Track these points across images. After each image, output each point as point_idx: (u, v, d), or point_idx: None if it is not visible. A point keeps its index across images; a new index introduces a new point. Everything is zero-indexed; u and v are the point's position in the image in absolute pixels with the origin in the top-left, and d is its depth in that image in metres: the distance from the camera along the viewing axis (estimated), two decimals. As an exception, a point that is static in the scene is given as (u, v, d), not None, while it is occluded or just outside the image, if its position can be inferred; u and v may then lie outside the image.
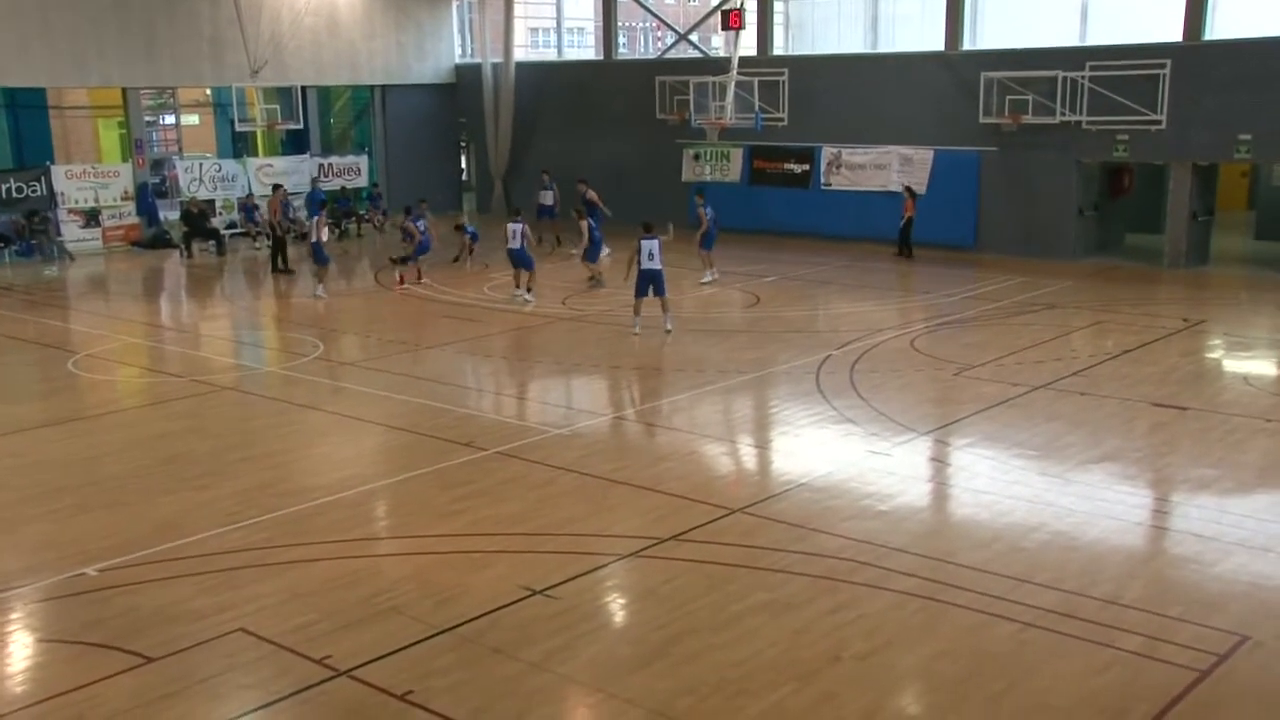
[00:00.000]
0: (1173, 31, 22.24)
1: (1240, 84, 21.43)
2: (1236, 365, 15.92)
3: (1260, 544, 9.27)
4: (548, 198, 26.59)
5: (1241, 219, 27.33)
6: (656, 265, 17.07)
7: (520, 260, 19.96)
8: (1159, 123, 22.16)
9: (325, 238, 21.96)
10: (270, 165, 30.47)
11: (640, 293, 17.25)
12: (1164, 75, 21.97)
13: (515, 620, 8.10)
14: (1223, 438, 12.07)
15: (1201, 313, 18.56)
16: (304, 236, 27.84)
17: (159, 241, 27.79)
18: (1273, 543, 9.30)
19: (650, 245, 17.04)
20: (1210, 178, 23.30)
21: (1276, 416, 12.75)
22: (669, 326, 17.33)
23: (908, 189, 24.34)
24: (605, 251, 22.24)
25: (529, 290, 19.96)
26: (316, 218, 22.50)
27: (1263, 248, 24.53)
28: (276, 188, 25.92)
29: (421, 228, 22.09)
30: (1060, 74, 22.89)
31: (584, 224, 21.71)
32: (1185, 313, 18.50)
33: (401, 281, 21.93)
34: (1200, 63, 21.87)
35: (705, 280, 21.41)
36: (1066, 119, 23.00)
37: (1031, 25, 24.72)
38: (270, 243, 24.98)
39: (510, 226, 19.86)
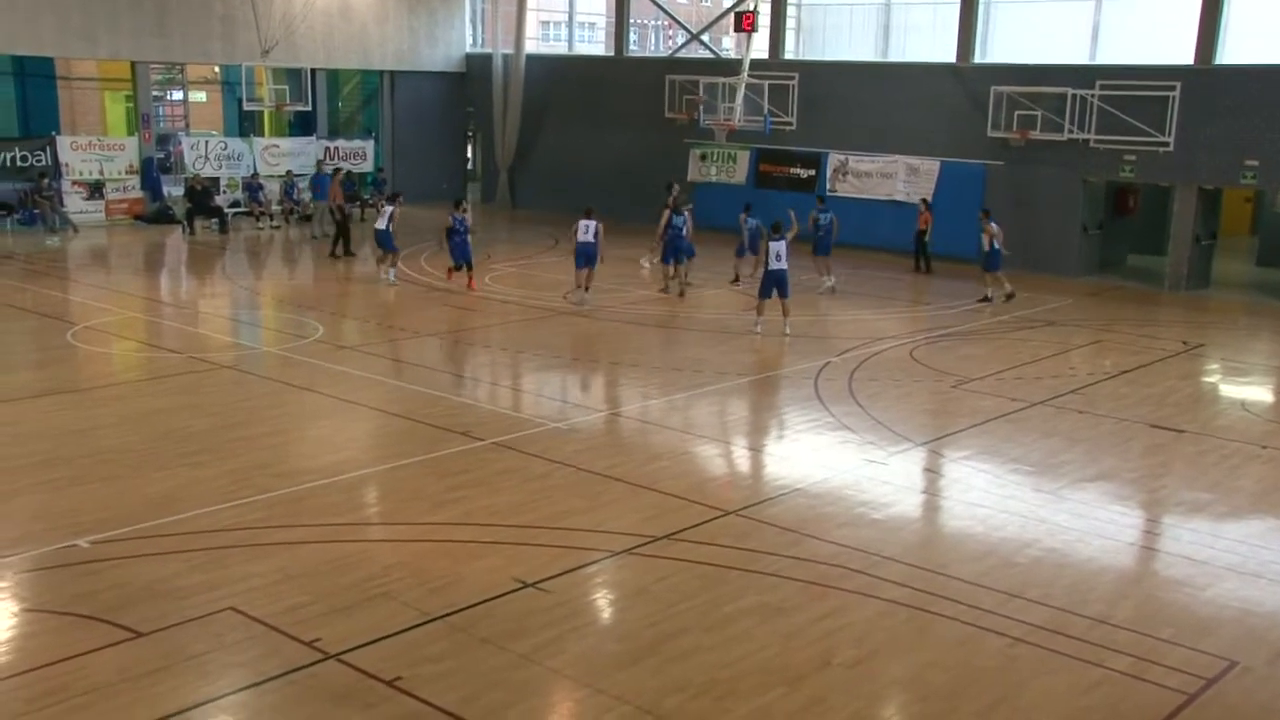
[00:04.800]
0: (1184, 54, 22.27)
1: (1249, 110, 21.46)
2: (1234, 390, 15.96)
3: (1252, 570, 9.28)
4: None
5: (1244, 244, 27.37)
6: (783, 266, 17.18)
7: (589, 257, 19.20)
8: (1166, 144, 22.19)
9: (390, 226, 21.03)
10: (276, 146, 30.45)
11: (765, 293, 17.38)
12: (1174, 97, 22.00)
13: (506, 612, 8.10)
14: (1218, 462, 12.09)
15: (1201, 336, 18.59)
16: (309, 218, 27.91)
17: (162, 217, 27.74)
18: (1264, 569, 9.32)
19: (778, 247, 17.20)
20: (1215, 202, 23.34)
21: (1272, 443, 12.78)
22: (788, 330, 17.40)
23: (924, 201, 24.21)
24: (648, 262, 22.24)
25: (586, 290, 19.46)
26: (391, 208, 21.20)
27: (1264, 274, 24.58)
28: (337, 171, 25.87)
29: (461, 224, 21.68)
30: (1070, 91, 22.92)
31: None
32: (1185, 335, 18.53)
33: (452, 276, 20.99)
34: (1210, 87, 21.90)
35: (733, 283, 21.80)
36: (1074, 136, 23.03)
37: (1043, 41, 24.76)
38: (334, 224, 24.31)
39: (582, 223, 19.20)
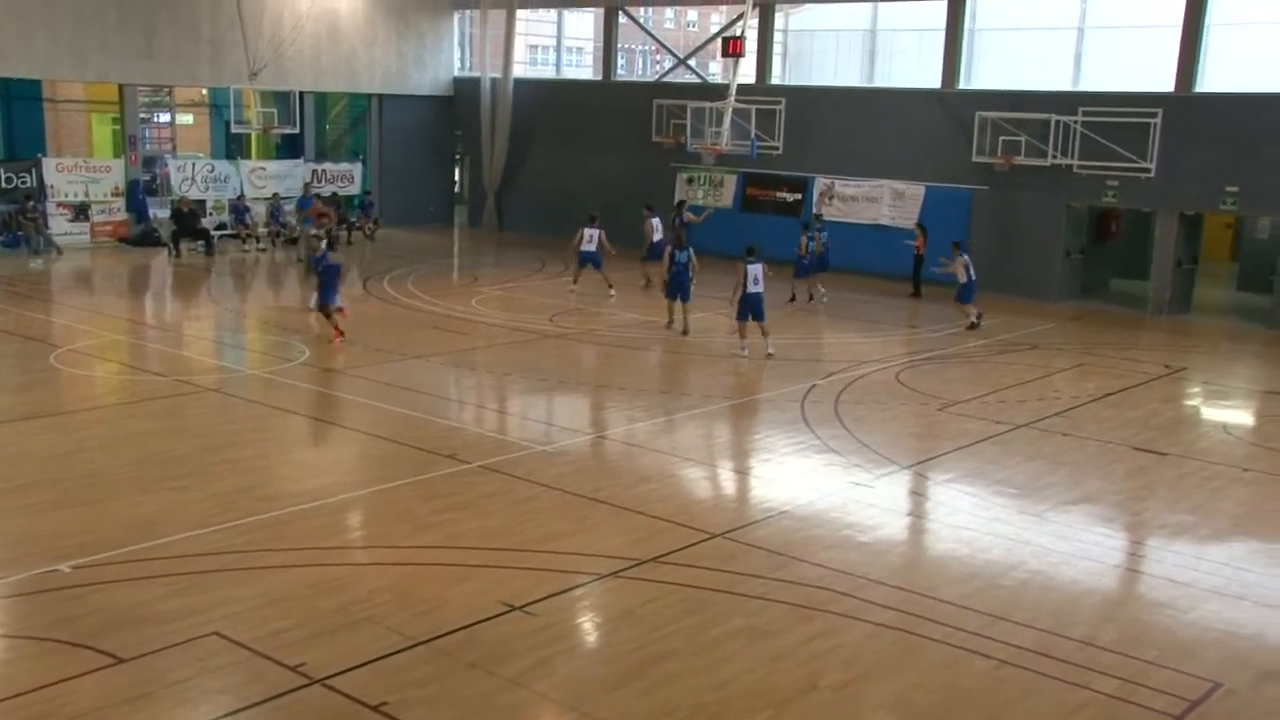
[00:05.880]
0: (1165, 82, 22.51)
1: (1229, 137, 21.68)
2: (1215, 413, 16.05)
3: (1235, 592, 9.32)
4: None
5: (1225, 270, 27.60)
6: (760, 289, 17.40)
7: (596, 264, 19.66)
8: (1148, 170, 22.38)
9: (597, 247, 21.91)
10: (263, 168, 30.42)
11: (742, 316, 17.52)
12: (1155, 124, 22.22)
13: (493, 635, 8.07)
14: (1200, 484, 12.16)
15: (1183, 360, 18.71)
16: (295, 241, 27.91)
17: (147, 239, 27.67)
18: (1247, 591, 9.36)
19: (755, 270, 17.37)
20: (1196, 227, 23.54)
21: (1254, 466, 12.85)
22: (770, 351, 17.48)
23: (919, 225, 24.13)
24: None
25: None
26: (596, 231, 21.50)
27: (1244, 299, 24.77)
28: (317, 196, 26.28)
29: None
30: (1053, 117, 23.11)
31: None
32: (1167, 359, 18.65)
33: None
34: (1191, 114, 22.12)
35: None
36: (1058, 162, 23.21)
37: (1027, 68, 24.99)
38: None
39: (586, 231, 19.86)
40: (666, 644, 8.05)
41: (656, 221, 23.70)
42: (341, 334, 17.55)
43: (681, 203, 26.57)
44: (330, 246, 20.00)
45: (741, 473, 12.69)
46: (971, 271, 20.37)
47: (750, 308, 17.45)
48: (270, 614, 8.30)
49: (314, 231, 21.47)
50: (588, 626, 8.58)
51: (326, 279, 17.85)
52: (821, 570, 9.44)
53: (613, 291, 21.74)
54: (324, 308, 17.76)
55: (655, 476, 11.94)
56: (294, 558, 9.41)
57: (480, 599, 8.65)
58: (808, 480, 11.93)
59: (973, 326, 20.25)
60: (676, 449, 13.10)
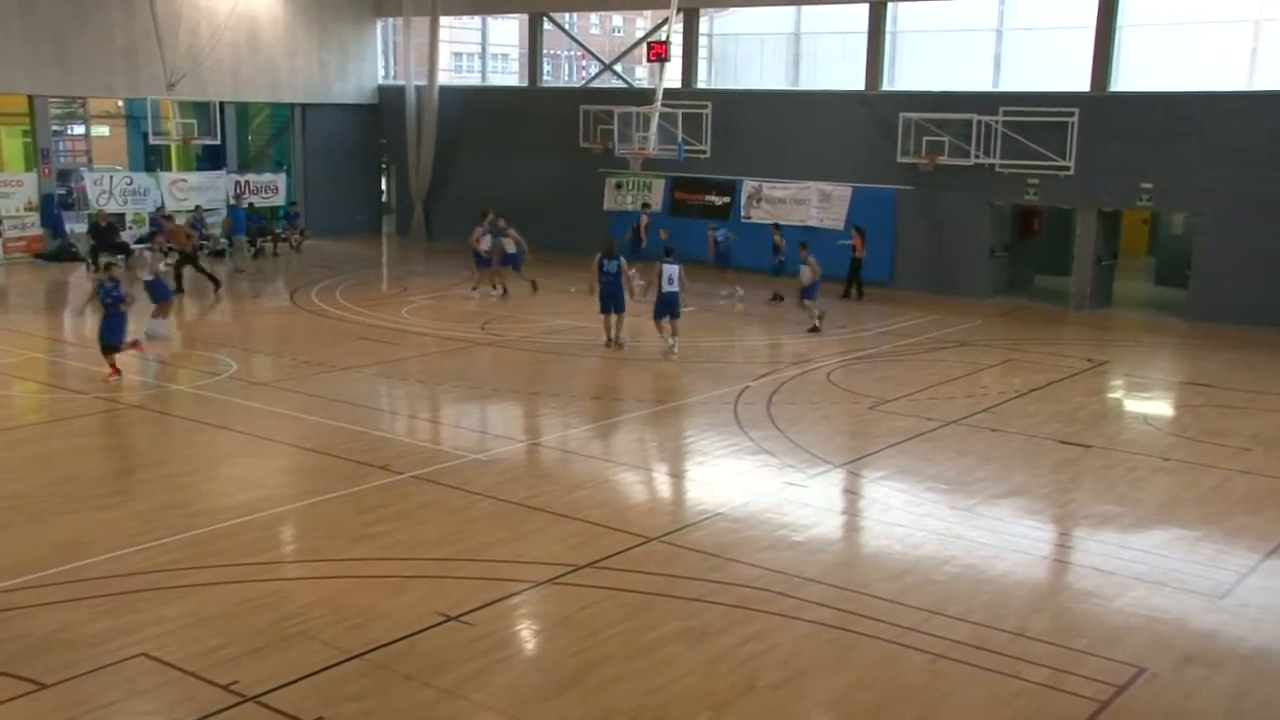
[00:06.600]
0: (1081, 82, 23.04)
1: (1142, 135, 22.26)
2: (1137, 405, 16.45)
3: (1157, 578, 9.55)
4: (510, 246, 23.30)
5: (1142, 264, 28.30)
6: (675, 289, 17.64)
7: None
8: (1067, 168, 22.89)
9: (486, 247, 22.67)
10: (184, 180, 29.89)
11: (659, 315, 17.80)
12: (1072, 123, 22.72)
13: (429, 646, 7.99)
14: (1124, 475, 12.45)
15: (1105, 354, 19.15)
16: (220, 254, 27.43)
17: (64, 254, 27.00)
18: (1168, 577, 9.59)
19: (671, 270, 17.62)
20: (1114, 224, 24.13)
21: (1173, 455, 13.19)
22: (671, 344, 17.83)
23: (857, 228, 24.07)
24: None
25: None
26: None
27: (1162, 293, 25.41)
28: (196, 208, 25.79)
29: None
30: (975, 117, 23.54)
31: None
32: (1090, 353, 19.07)
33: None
34: (1106, 113, 22.68)
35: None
36: (980, 161, 23.64)
37: (948, 69, 25.42)
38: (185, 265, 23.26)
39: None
40: (604, 649, 8.04)
41: (723, 234, 24.53)
42: (117, 372, 15.51)
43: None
44: (180, 268, 19.26)
45: (676, 476, 12.72)
46: (818, 273, 20.08)
47: (666, 306, 17.76)
48: (201, 632, 8.13)
49: (148, 250, 19.73)
50: (525, 634, 8.53)
51: (114, 312, 15.59)
52: (758, 571, 9.49)
53: (496, 291, 22.46)
54: (108, 347, 15.55)
55: (590, 482, 11.91)
56: (224, 574, 9.23)
57: (416, 610, 8.56)
58: (742, 482, 11.99)
59: (814, 329, 19.92)
60: (611, 454, 13.09)
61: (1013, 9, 25.01)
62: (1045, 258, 26.49)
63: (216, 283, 23.07)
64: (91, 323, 17.44)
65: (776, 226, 23.67)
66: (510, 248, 23.05)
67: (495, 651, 8.01)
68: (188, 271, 22.84)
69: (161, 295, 18.88)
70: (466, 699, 7.33)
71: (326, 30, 32.00)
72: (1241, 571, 9.77)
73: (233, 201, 29.29)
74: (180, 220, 25.83)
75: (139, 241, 25.98)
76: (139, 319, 17.53)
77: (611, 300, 18.22)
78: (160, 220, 26.08)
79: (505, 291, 22.98)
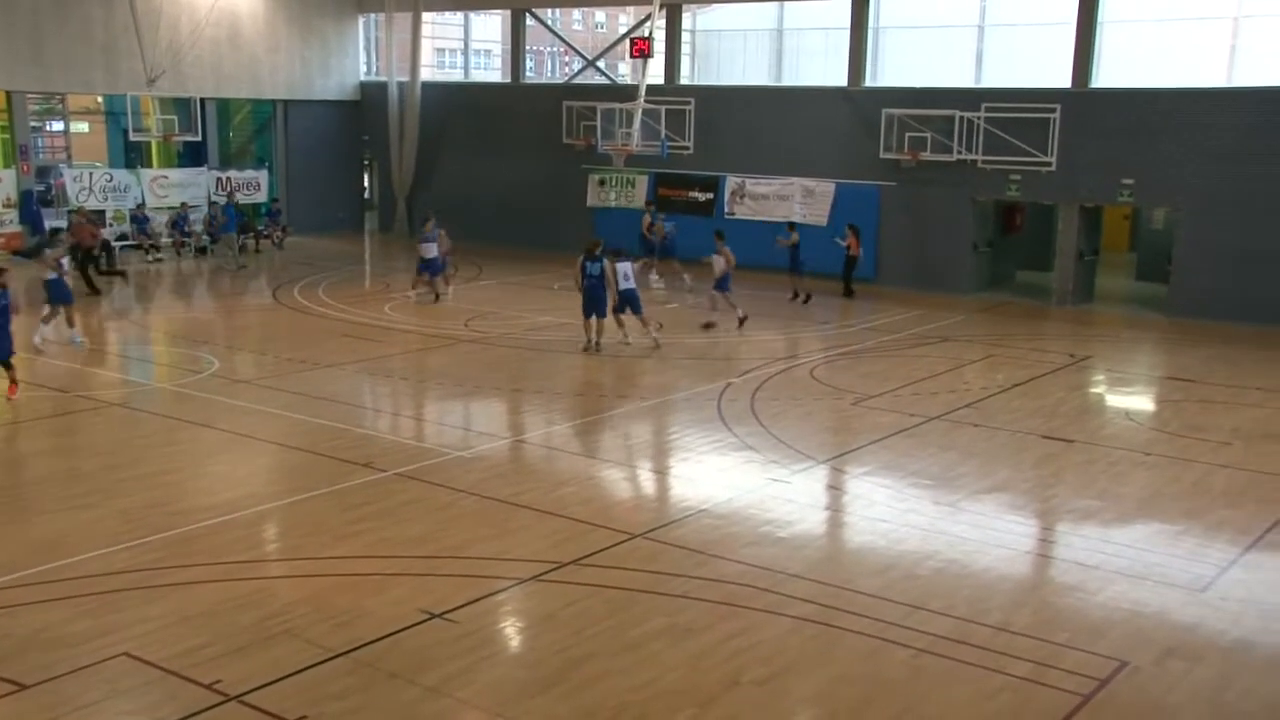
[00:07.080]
0: (1062, 78, 23.14)
1: (1123, 131, 22.37)
2: (1118, 400, 16.54)
3: (1139, 572, 9.61)
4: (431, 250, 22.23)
5: (1124, 260, 28.46)
6: (632, 285, 18.06)
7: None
8: (1049, 164, 22.98)
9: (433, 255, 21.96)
10: (165, 177, 29.70)
11: (619, 309, 18.18)
12: (1054, 119, 22.82)
13: (414, 644, 7.98)
14: (1105, 470, 12.51)
15: (1087, 349, 19.25)
16: (204, 250, 27.25)
17: (42, 251, 26.74)
18: (1150, 571, 9.65)
19: (624, 267, 17.99)
20: (1096, 219, 24.25)
21: (1154, 450, 13.26)
22: (633, 340, 18.18)
23: (851, 226, 23.67)
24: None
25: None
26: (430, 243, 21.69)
27: (1143, 288, 25.56)
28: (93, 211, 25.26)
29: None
30: (957, 113, 23.61)
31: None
32: (1072, 348, 19.16)
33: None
34: (1087, 109, 22.78)
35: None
36: (963, 157, 23.71)
37: (931, 65, 25.50)
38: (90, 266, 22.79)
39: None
40: (589, 646, 8.04)
41: (670, 226, 25.16)
42: (16, 385, 14.43)
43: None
44: (85, 268, 18.50)
45: (660, 472, 12.73)
46: (732, 263, 19.92)
47: (626, 302, 18.06)
48: (183, 631, 8.10)
49: (48, 249, 18.73)
50: (510, 632, 8.53)
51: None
52: (742, 567, 9.51)
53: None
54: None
55: (574, 479, 11.91)
56: (207, 573, 9.19)
57: (400, 608, 8.54)
58: (726, 478, 12.00)
59: (741, 321, 19.74)
60: (595, 451, 13.09)
61: (994, 5, 25.12)
62: (1027, 253, 26.61)
63: (96, 290, 22.34)
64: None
65: (792, 225, 23.58)
66: (430, 252, 21.96)
67: (480, 649, 8.00)
68: (91, 271, 22.37)
69: (61, 296, 18.01)
70: (451, 696, 7.32)
71: (308, 26, 31.84)
72: (1222, 565, 9.84)
73: (223, 199, 29.07)
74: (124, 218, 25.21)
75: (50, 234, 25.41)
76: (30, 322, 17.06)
77: (594, 304, 17.85)
78: (70, 217, 25.36)
79: (437, 297, 22.07)
